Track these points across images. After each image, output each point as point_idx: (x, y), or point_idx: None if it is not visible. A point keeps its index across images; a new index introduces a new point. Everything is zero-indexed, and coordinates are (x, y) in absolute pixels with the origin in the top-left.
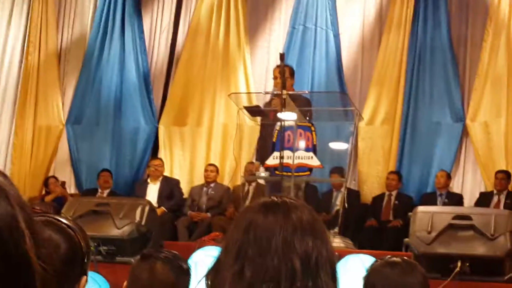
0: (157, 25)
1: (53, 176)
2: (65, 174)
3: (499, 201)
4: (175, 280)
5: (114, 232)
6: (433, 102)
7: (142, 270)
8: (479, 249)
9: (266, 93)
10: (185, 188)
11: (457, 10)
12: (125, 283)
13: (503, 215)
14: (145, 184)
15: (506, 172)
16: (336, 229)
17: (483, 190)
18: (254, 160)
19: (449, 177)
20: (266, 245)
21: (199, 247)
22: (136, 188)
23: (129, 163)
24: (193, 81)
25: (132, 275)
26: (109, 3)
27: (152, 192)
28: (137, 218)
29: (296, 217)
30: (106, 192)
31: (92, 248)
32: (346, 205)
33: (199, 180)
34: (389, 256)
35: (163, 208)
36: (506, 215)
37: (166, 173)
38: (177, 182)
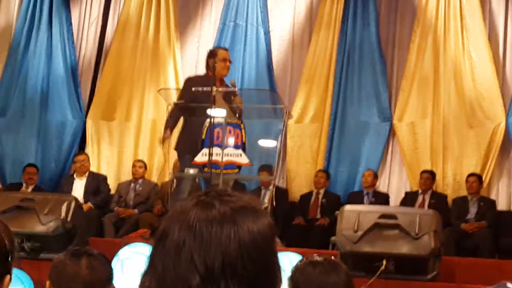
0: (85, 17)
1: None
2: None
3: (424, 200)
4: (109, 276)
5: (39, 228)
6: (361, 102)
7: (74, 267)
8: (404, 248)
9: (195, 89)
10: (112, 184)
11: (385, 11)
12: (48, 283)
13: (427, 214)
14: (71, 179)
15: (431, 172)
16: None
17: (408, 189)
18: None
19: (376, 176)
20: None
21: (126, 244)
22: (62, 184)
23: (55, 158)
24: (122, 75)
25: (59, 271)
26: None
27: (78, 187)
28: (63, 214)
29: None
30: (31, 187)
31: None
32: (274, 203)
33: (127, 176)
34: (313, 255)
35: (89, 204)
36: (430, 214)
37: (93, 168)
38: (104, 178)
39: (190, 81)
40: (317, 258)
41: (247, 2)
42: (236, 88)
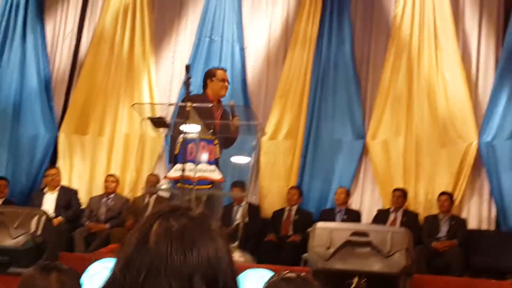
0: (60, 30)
1: None
2: None
3: (395, 218)
4: None
5: (8, 242)
6: (335, 119)
7: (44, 282)
8: (376, 265)
9: (170, 104)
10: (84, 198)
11: (360, 29)
12: None
13: (399, 232)
14: (42, 193)
15: (402, 190)
16: (236, 243)
17: (381, 207)
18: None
19: (348, 193)
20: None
21: (96, 259)
22: (33, 198)
23: (26, 171)
24: (96, 89)
25: (28, 286)
26: (11, 6)
27: (49, 201)
28: (33, 228)
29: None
30: (1, 200)
31: None
32: (246, 219)
33: (99, 190)
34: (285, 271)
35: (60, 218)
36: (402, 232)
37: (65, 182)
38: (75, 192)
39: (190, 101)
40: (290, 274)
41: (223, 17)
42: (235, 110)
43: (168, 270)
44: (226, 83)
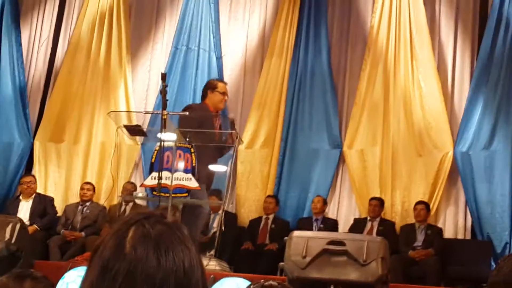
0: (36, 38)
1: None
2: None
3: (372, 227)
4: None
5: None
6: (312, 128)
7: None
8: (352, 274)
9: (146, 112)
10: (59, 206)
11: (337, 39)
12: None
13: (375, 241)
14: (17, 201)
15: (379, 199)
16: (213, 252)
17: (357, 216)
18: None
19: (325, 202)
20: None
21: (71, 268)
22: (7, 205)
23: (1, 179)
24: (71, 97)
25: None
26: None
27: (24, 209)
28: (7, 236)
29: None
30: None
31: None
32: (223, 227)
33: (75, 198)
34: (264, 280)
35: (35, 226)
36: (378, 241)
37: (40, 190)
38: (50, 200)
39: (192, 109)
40: (270, 282)
41: (200, 27)
42: (234, 124)
43: (143, 276)
44: (226, 97)
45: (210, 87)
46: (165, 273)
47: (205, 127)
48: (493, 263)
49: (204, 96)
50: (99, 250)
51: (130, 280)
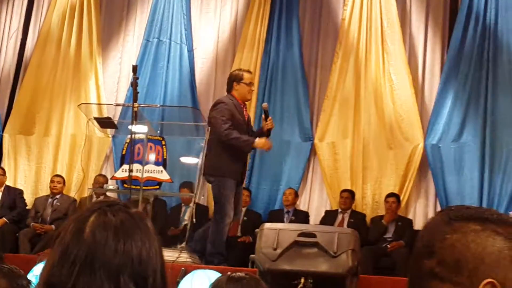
0: (5, 29)
1: None
2: None
3: (343, 219)
4: None
5: None
6: (284, 121)
7: None
8: (322, 266)
9: (117, 104)
10: (29, 199)
11: (308, 32)
12: None
13: (346, 233)
14: None
15: (350, 192)
16: (184, 244)
17: (328, 208)
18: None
19: (296, 194)
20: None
21: (41, 260)
22: None
23: None
24: (41, 89)
25: None
26: None
27: None
28: None
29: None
30: None
31: None
32: (194, 220)
33: (45, 191)
34: (230, 272)
35: (4, 219)
36: (349, 233)
37: (10, 182)
38: (20, 192)
39: (224, 103)
40: (238, 274)
41: (171, 19)
42: (268, 112)
43: (101, 261)
44: (253, 87)
45: (235, 79)
46: (122, 260)
47: (236, 117)
48: None
49: (229, 88)
50: (60, 235)
51: (88, 265)
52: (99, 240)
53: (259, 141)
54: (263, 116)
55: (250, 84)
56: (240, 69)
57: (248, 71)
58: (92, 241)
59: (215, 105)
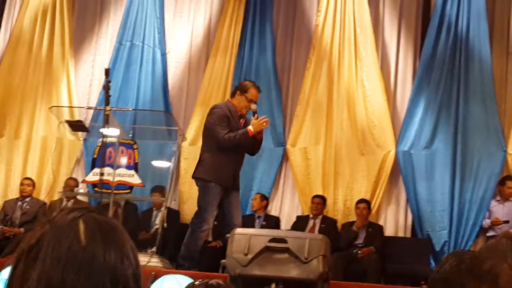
0: None
1: None
2: None
3: (314, 225)
4: None
5: None
6: None
7: None
8: (293, 271)
9: (89, 108)
10: None
11: (282, 37)
12: None
13: (317, 239)
14: None
15: (322, 197)
16: (154, 249)
17: (300, 213)
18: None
19: (264, 199)
20: None
21: (10, 264)
22: None
23: None
24: (12, 91)
25: None
26: None
27: None
28: None
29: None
30: None
31: None
32: (165, 224)
33: (15, 194)
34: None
35: None
36: (320, 239)
37: None
38: None
39: (219, 108)
40: (211, 281)
41: (145, 22)
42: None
43: (95, 269)
44: (252, 105)
45: (241, 88)
46: (105, 269)
47: (232, 123)
48: (432, 261)
49: (233, 94)
50: (46, 242)
51: (89, 272)
52: (95, 248)
53: (252, 126)
54: (255, 116)
55: (251, 101)
56: (251, 82)
57: (258, 89)
58: (91, 249)
59: (211, 110)
